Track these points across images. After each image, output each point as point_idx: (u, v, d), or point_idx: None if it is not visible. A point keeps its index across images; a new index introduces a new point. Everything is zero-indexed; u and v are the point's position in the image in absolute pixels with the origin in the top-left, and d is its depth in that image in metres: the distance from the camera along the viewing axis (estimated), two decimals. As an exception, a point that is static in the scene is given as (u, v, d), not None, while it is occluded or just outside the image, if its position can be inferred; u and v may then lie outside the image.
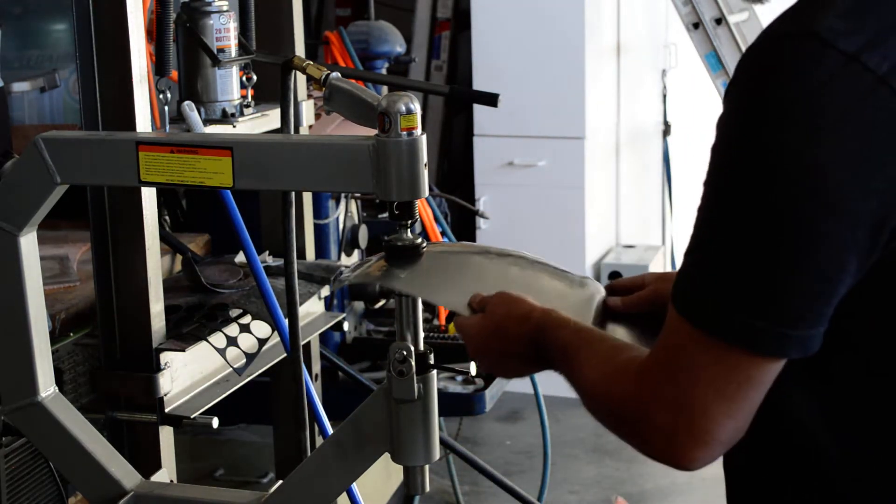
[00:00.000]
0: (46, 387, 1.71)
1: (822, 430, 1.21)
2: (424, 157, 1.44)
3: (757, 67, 1.13)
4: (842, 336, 1.14)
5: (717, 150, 1.17)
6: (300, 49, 2.45)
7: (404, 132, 1.42)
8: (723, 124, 1.17)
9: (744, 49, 4.82)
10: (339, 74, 1.67)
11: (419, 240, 1.51)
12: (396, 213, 1.47)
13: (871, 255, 1.10)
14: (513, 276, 1.58)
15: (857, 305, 1.13)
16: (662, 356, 1.18)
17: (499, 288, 1.47)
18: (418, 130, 1.43)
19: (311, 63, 1.74)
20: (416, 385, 1.48)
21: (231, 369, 2.09)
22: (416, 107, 1.44)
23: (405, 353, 1.48)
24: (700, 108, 5.99)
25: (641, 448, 1.21)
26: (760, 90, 1.11)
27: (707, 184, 1.17)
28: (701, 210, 1.17)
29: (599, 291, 1.60)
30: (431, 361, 1.51)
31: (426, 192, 1.47)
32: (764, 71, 1.11)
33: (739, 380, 1.13)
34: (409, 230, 1.50)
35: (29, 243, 1.65)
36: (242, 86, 2.25)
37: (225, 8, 2.18)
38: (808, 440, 1.22)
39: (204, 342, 2.03)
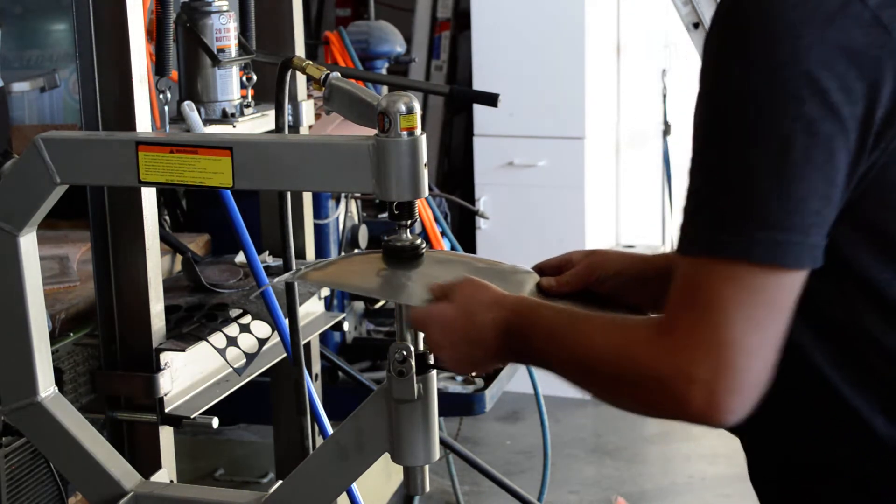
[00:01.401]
0: (46, 387, 1.71)
1: (828, 367, 1.22)
2: (424, 157, 1.44)
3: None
4: (837, 264, 1.17)
5: (707, 86, 1.19)
6: (300, 49, 2.45)
7: (404, 132, 1.42)
8: (710, 57, 1.19)
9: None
10: (339, 74, 1.67)
11: (418, 240, 1.51)
12: (396, 213, 1.47)
13: (857, 164, 1.14)
14: (443, 272, 1.53)
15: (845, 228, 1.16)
16: (687, 304, 1.16)
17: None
18: (418, 130, 1.43)
19: (311, 63, 1.74)
20: (415, 385, 1.48)
21: (231, 369, 2.09)
22: (417, 106, 1.43)
23: (405, 353, 1.47)
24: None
25: (674, 410, 1.17)
26: (743, 14, 1.15)
27: (700, 124, 1.19)
28: (697, 153, 1.18)
29: (532, 274, 1.58)
30: (431, 361, 1.51)
31: (426, 192, 1.47)
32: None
33: (767, 302, 1.13)
34: (408, 230, 1.50)
35: (29, 243, 1.65)
36: (242, 86, 2.25)
37: (225, 8, 2.18)
38: (822, 382, 1.23)
39: (204, 342, 2.03)
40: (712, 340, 1.13)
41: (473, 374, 1.47)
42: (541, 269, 1.59)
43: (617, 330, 1.24)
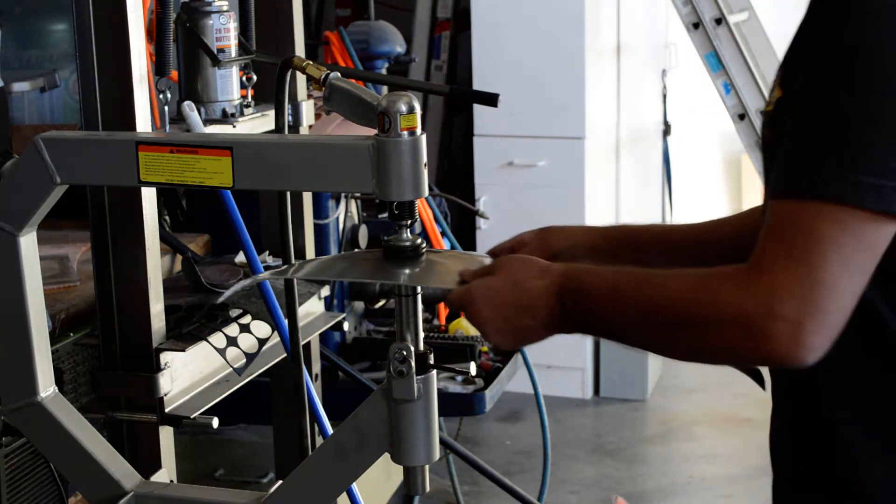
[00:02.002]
0: (46, 387, 1.71)
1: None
2: (424, 157, 1.44)
3: None
4: None
5: (825, 36, 1.20)
6: (300, 49, 2.45)
7: (404, 132, 1.42)
8: (829, 8, 1.20)
9: (744, 49, 4.79)
10: (339, 74, 1.67)
11: (419, 240, 1.51)
12: (396, 212, 1.47)
13: None
14: (455, 263, 1.52)
15: None
16: (783, 244, 1.17)
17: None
18: (419, 130, 1.43)
19: (311, 63, 1.74)
20: (416, 385, 1.48)
21: (231, 369, 2.09)
22: (417, 106, 1.43)
23: (405, 353, 1.47)
24: (700, 108, 6.00)
25: (755, 349, 1.18)
26: None
27: (815, 73, 1.20)
28: (807, 100, 1.20)
29: (488, 258, 1.58)
30: (431, 361, 1.51)
31: (426, 192, 1.46)
32: None
33: (865, 248, 1.16)
34: (408, 230, 1.50)
35: (29, 243, 1.65)
36: (242, 86, 2.25)
37: (225, 8, 2.18)
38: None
39: (204, 342, 2.03)
40: (806, 279, 1.15)
41: (523, 346, 1.44)
42: (494, 253, 1.60)
43: (696, 276, 1.24)
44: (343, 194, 3.17)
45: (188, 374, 2.01)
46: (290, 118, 2.41)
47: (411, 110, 1.42)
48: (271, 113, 2.28)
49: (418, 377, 1.48)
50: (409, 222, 1.48)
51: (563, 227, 1.63)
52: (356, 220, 3.32)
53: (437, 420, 1.52)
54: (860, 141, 1.16)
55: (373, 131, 1.44)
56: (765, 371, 1.42)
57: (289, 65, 1.78)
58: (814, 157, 1.18)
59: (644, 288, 1.28)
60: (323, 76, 1.67)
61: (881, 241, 1.18)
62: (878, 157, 1.15)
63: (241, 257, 2.34)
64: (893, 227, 1.18)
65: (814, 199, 1.16)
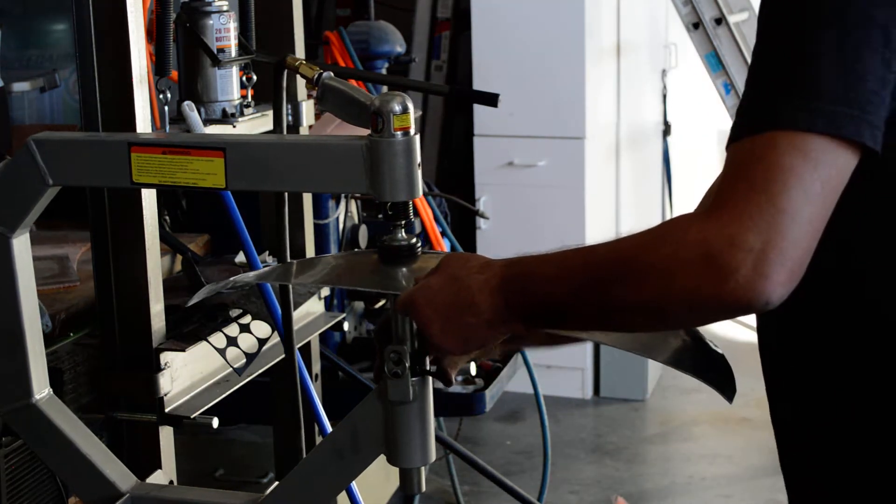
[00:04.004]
0: (41, 389, 1.70)
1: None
2: (418, 157, 1.43)
3: None
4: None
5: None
6: (300, 49, 2.45)
7: (398, 132, 1.41)
8: None
9: (744, 49, 4.79)
10: (332, 74, 1.66)
11: (414, 240, 1.50)
12: (390, 213, 1.47)
13: None
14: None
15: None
16: (741, 177, 1.15)
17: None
18: (412, 130, 1.43)
19: (304, 62, 1.74)
20: (411, 387, 1.47)
21: (231, 369, 2.09)
22: (410, 106, 1.42)
23: (399, 354, 1.47)
24: (700, 108, 6.00)
25: (718, 287, 1.13)
26: None
27: (767, 13, 1.22)
28: (762, 40, 1.21)
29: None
30: (428, 366, 1.50)
31: (420, 193, 1.46)
32: None
33: (824, 177, 1.14)
34: (403, 230, 1.49)
35: (21, 245, 1.64)
36: (242, 86, 2.25)
37: (225, 8, 2.18)
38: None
39: (204, 342, 2.03)
40: (767, 207, 1.13)
41: (471, 353, 1.37)
42: None
43: (652, 228, 1.21)
44: (343, 194, 3.17)
45: (188, 374, 2.01)
46: (290, 118, 2.41)
47: (405, 110, 1.41)
48: (271, 113, 2.28)
49: (413, 379, 1.47)
50: (403, 222, 1.48)
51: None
52: (356, 220, 3.33)
53: (432, 421, 1.52)
54: (812, 70, 1.15)
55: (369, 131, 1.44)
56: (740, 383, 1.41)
57: (282, 65, 1.78)
58: (767, 93, 1.18)
59: (595, 252, 1.24)
60: (315, 76, 1.66)
61: (840, 169, 1.16)
62: (832, 85, 1.15)
63: (241, 257, 2.34)
64: (851, 156, 1.16)
65: (769, 130, 1.15)
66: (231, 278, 1.65)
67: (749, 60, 4.40)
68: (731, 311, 1.17)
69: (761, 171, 1.14)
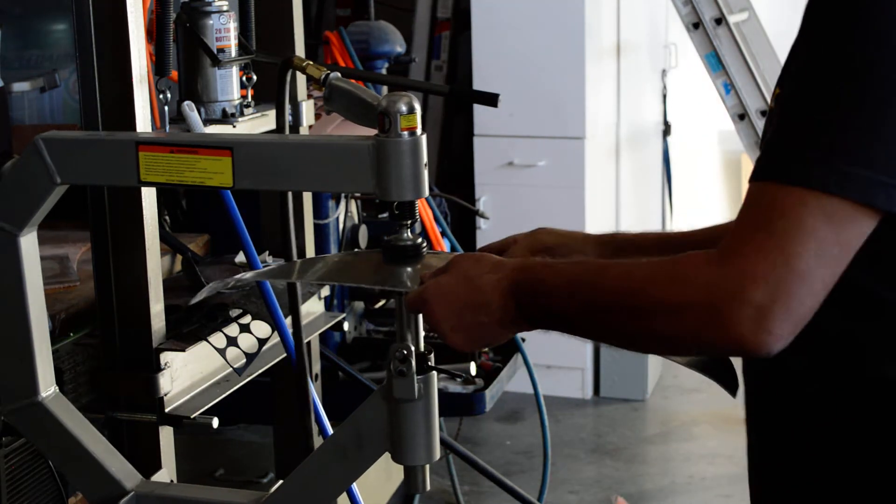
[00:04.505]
0: (47, 387, 1.71)
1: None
2: (425, 157, 1.44)
3: None
4: None
5: (818, 26, 1.20)
6: (300, 49, 2.45)
7: (405, 132, 1.41)
8: (816, 13, 1.20)
9: (744, 49, 4.79)
10: (339, 74, 1.67)
11: (419, 240, 1.51)
12: (396, 213, 1.47)
13: None
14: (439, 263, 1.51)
15: None
16: (761, 229, 1.15)
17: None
18: (419, 130, 1.43)
19: (311, 63, 1.74)
20: (416, 385, 1.48)
21: (231, 369, 2.09)
22: (417, 106, 1.43)
23: (405, 352, 1.47)
24: (700, 108, 6.00)
25: (719, 334, 1.15)
26: None
27: (807, 61, 1.19)
28: (798, 87, 1.19)
29: None
30: (432, 362, 1.51)
31: (426, 192, 1.46)
32: None
33: (843, 240, 1.14)
34: (409, 230, 1.50)
35: (29, 243, 1.65)
36: (242, 86, 2.25)
37: (225, 8, 2.18)
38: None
39: (204, 342, 2.03)
40: (781, 268, 1.13)
41: (482, 349, 1.40)
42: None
43: (662, 262, 1.21)
44: (343, 194, 3.17)
45: (188, 374, 2.01)
46: (290, 118, 2.41)
47: (411, 110, 1.42)
48: (271, 113, 2.28)
49: (418, 377, 1.48)
50: (409, 222, 1.48)
51: (558, 229, 1.61)
52: (356, 220, 3.32)
53: (437, 420, 1.52)
54: (848, 131, 1.14)
55: (373, 131, 1.44)
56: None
57: (289, 65, 1.78)
58: (800, 143, 1.16)
59: (606, 276, 1.25)
60: (323, 76, 1.67)
61: (861, 234, 1.16)
62: (866, 148, 1.13)
63: (241, 257, 2.34)
64: (874, 220, 1.16)
65: (796, 185, 1.14)
66: (234, 277, 1.66)
67: (749, 60, 4.39)
68: (731, 354, 1.20)
69: (782, 228, 1.14)
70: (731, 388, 1.47)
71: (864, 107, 1.14)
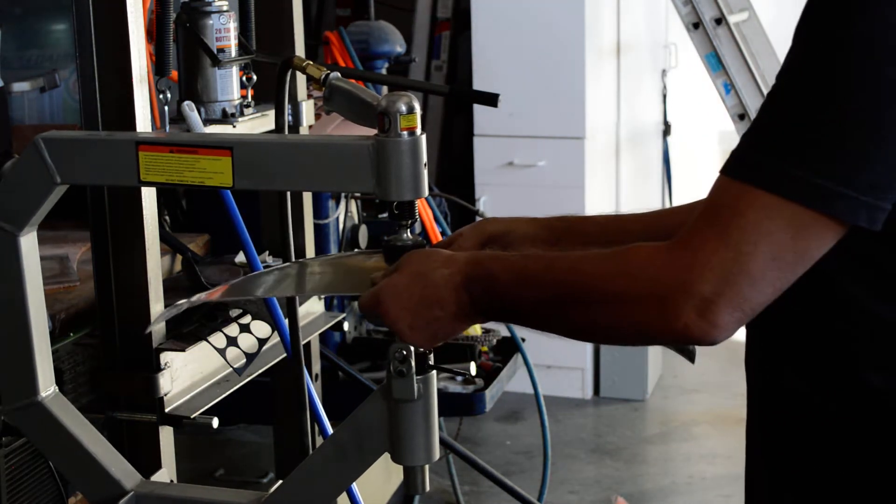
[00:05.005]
0: (47, 387, 1.71)
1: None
2: (424, 157, 1.44)
3: None
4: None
5: (813, 30, 1.18)
6: (300, 49, 2.45)
7: (404, 132, 1.42)
8: (808, 17, 1.18)
9: (744, 49, 4.79)
10: (339, 74, 1.67)
11: (419, 240, 1.51)
12: (396, 213, 1.47)
13: None
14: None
15: None
16: (716, 225, 1.15)
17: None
18: (419, 130, 1.43)
19: (311, 63, 1.74)
20: (416, 385, 1.48)
21: (231, 369, 2.09)
22: (417, 106, 1.43)
23: (405, 352, 1.47)
24: (700, 108, 6.00)
25: (665, 324, 1.16)
26: None
27: (793, 65, 1.18)
28: (780, 89, 1.18)
29: None
30: (431, 362, 1.51)
31: (426, 192, 1.46)
32: None
33: (800, 248, 1.13)
34: (409, 230, 1.50)
35: (29, 243, 1.65)
36: (242, 86, 2.25)
37: (225, 8, 2.18)
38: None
39: (204, 342, 2.03)
40: (732, 265, 1.13)
41: (438, 343, 1.40)
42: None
43: (612, 253, 1.22)
44: (343, 194, 3.17)
45: (188, 374, 2.01)
46: (290, 118, 2.41)
47: (411, 110, 1.42)
48: (271, 113, 2.28)
49: (418, 377, 1.48)
50: (409, 222, 1.48)
51: (503, 217, 1.61)
52: (356, 220, 3.32)
53: (437, 420, 1.52)
54: (819, 142, 1.13)
55: (373, 131, 1.44)
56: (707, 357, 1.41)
57: (289, 65, 1.78)
58: (769, 146, 1.16)
59: (554, 268, 1.26)
60: (323, 76, 1.67)
61: (819, 245, 1.15)
62: (833, 161, 1.12)
63: (241, 257, 2.34)
64: (836, 233, 1.15)
65: (758, 188, 1.14)
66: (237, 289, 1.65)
67: (749, 60, 4.38)
68: (677, 343, 1.21)
69: (738, 227, 1.14)
70: (689, 356, 1.48)
71: (837, 117, 1.13)
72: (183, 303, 1.67)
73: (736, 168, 1.18)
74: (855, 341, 1.24)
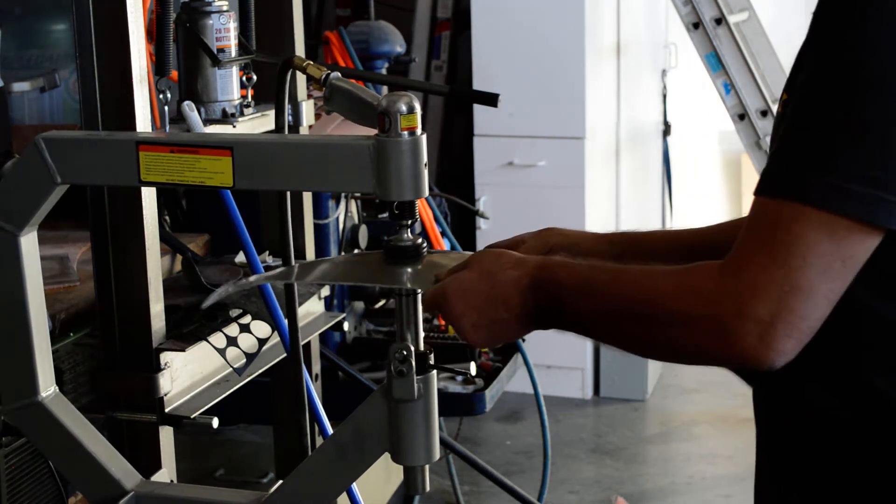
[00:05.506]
0: (47, 387, 1.71)
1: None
2: (425, 157, 1.44)
3: None
4: None
5: (829, 42, 1.18)
6: (300, 49, 2.45)
7: (405, 132, 1.41)
8: (820, 21, 1.19)
9: (744, 49, 4.80)
10: (340, 74, 1.67)
11: (419, 240, 1.51)
12: (396, 213, 1.47)
13: None
14: (446, 262, 1.50)
15: None
16: (763, 245, 1.15)
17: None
18: (419, 130, 1.43)
19: (311, 63, 1.74)
20: (416, 385, 1.48)
21: (231, 369, 2.09)
22: (417, 106, 1.43)
23: (405, 352, 1.47)
24: (700, 108, 6.00)
25: (723, 349, 1.16)
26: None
27: (819, 74, 1.18)
28: (808, 99, 1.18)
29: None
30: (431, 361, 1.51)
31: (426, 192, 1.46)
32: None
33: (846, 256, 1.14)
34: (409, 230, 1.50)
35: (29, 243, 1.65)
36: (242, 86, 2.25)
37: (225, 8, 2.18)
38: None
39: (204, 342, 2.03)
40: (783, 283, 1.13)
41: (497, 345, 1.40)
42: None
43: (672, 272, 1.23)
44: (343, 194, 3.17)
45: (188, 374, 2.01)
46: (290, 118, 2.41)
47: (411, 110, 1.42)
48: (271, 113, 2.28)
49: (418, 377, 1.48)
50: (409, 222, 1.48)
51: (567, 230, 1.62)
52: (356, 220, 3.33)
53: (437, 420, 1.52)
54: (850, 148, 1.14)
55: (373, 131, 1.44)
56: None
57: (289, 65, 1.78)
58: (802, 159, 1.16)
59: (618, 282, 1.27)
60: (323, 76, 1.67)
61: (863, 250, 1.16)
62: (866, 166, 1.13)
63: (241, 257, 2.34)
64: (876, 238, 1.16)
65: (798, 202, 1.14)
66: (241, 281, 1.65)
67: (749, 60, 4.38)
68: (735, 366, 1.24)
69: (783, 244, 1.14)
70: (747, 378, 1.48)
71: (866, 122, 1.13)
72: (230, 284, 1.66)
73: (770, 186, 1.18)
74: (862, 343, 1.25)
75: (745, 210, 1.64)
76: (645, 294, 1.23)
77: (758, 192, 1.19)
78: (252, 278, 1.71)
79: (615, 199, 5.22)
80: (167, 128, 2.06)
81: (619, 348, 1.32)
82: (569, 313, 1.30)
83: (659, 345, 1.24)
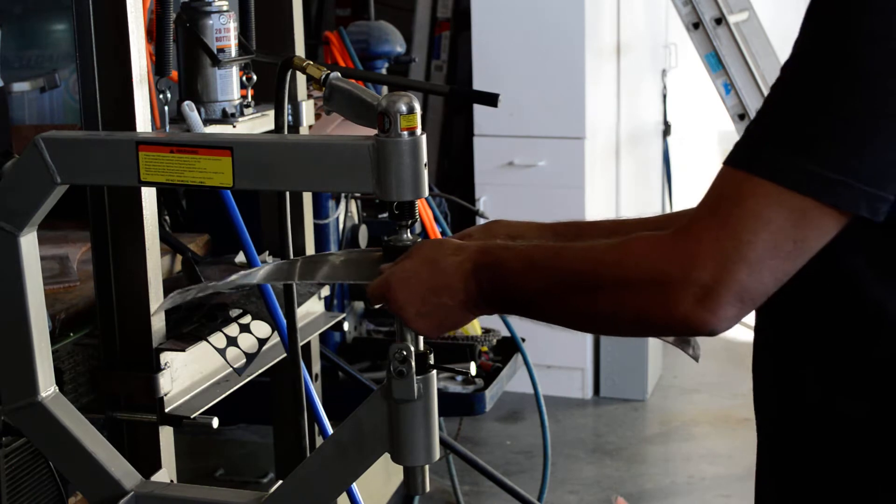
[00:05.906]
0: (47, 387, 1.71)
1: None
2: (425, 157, 1.44)
3: None
4: None
5: (817, 24, 1.18)
6: (300, 49, 2.45)
7: (405, 132, 1.42)
8: (813, 9, 1.18)
9: (744, 49, 4.79)
10: (339, 74, 1.67)
11: (419, 240, 1.50)
12: (396, 213, 1.47)
13: None
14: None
15: None
16: (717, 214, 1.16)
17: None
18: (419, 130, 1.43)
19: (311, 63, 1.74)
20: (416, 385, 1.48)
21: (231, 369, 2.09)
22: (417, 106, 1.43)
23: (405, 353, 1.47)
24: (700, 108, 6.00)
25: (666, 312, 1.17)
26: None
27: (799, 56, 1.18)
28: (784, 81, 1.18)
29: None
30: (431, 361, 1.51)
31: (426, 193, 1.46)
32: None
33: (800, 237, 1.14)
34: (409, 230, 1.50)
35: (29, 243, 1.65)
36: (242, 86, 2.25)
37: (225, 8, 2.18)
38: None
39: (204, 342, 2.03)
40: (731, 253, 1.14)
41: (444, 332, 1.40)
42: None
43: (616, 242, 1.23)
44: (343, 194, 3.17)
45: (188, 374, 2.01)
46: (290, 118, 2.41)
47: (411, 110, 1.42)
48: (271, 113, 2.28)
49: (418, 377, 1.48)
50: (409, 222, 1.48)
51: (512, 221, 1.62)
52: (356, 220, 3.33)
53: (437, 420, 1.52)
54: (817, 129, 1.14)
55: (373, 131, 1.44)
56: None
57: (289, 65, 1.78)
58: (771, 136, 1.16)
59: (560, 257, 1.27)
60: (323, 76, 1.67)
61: (821, 234, 1.15)
62: (832, 149, 1.13)
63: (241, 257, 2.34)
64: (836, 222, 1.15)
65: (758, 177, 1.15)
66: (234, 276, 1.65)
67: (749, 60, 4.38)
68: (677, 333, 1.23)
69: (738, 216, 1.14)
70: (694, 353, 1.51)
71: (838, 107, 1.13)
72: (192, 289, 1.66)
73: (737, 158, 1.18)
74: (872, 341, 1.24)
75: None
76: (588, 265, 1.24)
77: (726, 161, 1.20)
78: (253, 273, 1.70)
79: (615, 198, 5.22)
80: (167, 128, 2.06)
81: (563, 325, 1.32)
82: (512, 293, 1.30)
83: (602, 315, 1.24)
